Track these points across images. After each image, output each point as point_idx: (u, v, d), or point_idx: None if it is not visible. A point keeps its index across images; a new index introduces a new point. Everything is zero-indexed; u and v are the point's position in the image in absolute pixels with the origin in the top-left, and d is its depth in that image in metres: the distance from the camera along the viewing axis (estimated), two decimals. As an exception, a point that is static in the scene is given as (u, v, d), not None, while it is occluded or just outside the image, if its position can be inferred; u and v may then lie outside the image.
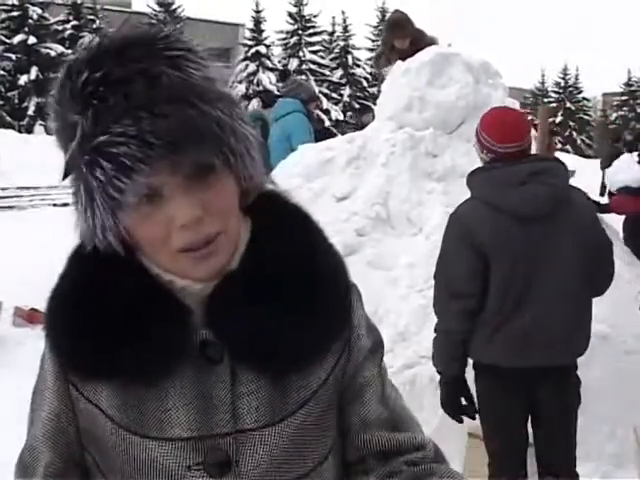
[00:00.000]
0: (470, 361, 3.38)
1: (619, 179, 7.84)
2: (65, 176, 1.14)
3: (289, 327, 1.14)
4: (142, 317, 1.13)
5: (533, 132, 3.56)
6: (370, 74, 42.88)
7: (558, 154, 8.39)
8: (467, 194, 5.07)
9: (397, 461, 1.25)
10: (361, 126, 9.13)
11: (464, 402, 3.39)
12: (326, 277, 1.20)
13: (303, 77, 27.61)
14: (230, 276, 1.15)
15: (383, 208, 5.08)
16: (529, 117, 6.14)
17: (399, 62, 5.90)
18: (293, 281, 1.16)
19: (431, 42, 6.35)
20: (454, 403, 3.40)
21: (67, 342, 1.16)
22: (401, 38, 6.54)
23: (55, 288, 1.22)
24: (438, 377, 3.48)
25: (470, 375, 3.41)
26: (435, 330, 3.39)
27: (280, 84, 8.62)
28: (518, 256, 3.14)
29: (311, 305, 1.16)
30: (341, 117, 41.09)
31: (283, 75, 9.22)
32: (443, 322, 3.34)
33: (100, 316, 1.13)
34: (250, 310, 1.14)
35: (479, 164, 5.19)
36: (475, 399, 3.40)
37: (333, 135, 7.38)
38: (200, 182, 1.08)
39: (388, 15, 8.14)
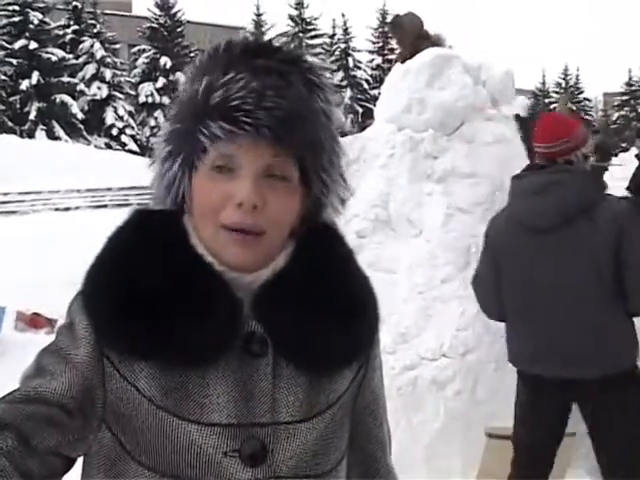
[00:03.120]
0: None
1: None
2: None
3: (327, 333, 1.20)
4: (193, 301, 1.15)
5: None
6: (371, 76, 42.93)
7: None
8: (467, 196, 5.09)
9: None
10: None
11: None
12: (360, 294, 1.28)
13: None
14: (278, 277, 1.21)
15: (383, 210, 5.08)
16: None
17: (398, 64, 5.89)
18: (332, 293, 1.23)
19: (435, 42, 6.29)
20: None
21: (108, 317, 1.15)
22: (394, 38, 6.61)
23: (98, 257, 1.21)
24: (439, 378, 3.51)
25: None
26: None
27: None
28: (526, 266, 3.14)
29: (346, 317, 1.23)
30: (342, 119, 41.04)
31: None
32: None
33: (148, 294, 1.15)
34: (296, 312, 1.19)
35: (480, 165, 5.22)
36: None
37: None
38: (272, 182, 1.16)
39: (388, 17, 8.13)
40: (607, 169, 17.62)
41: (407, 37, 6.45)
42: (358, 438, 1.33)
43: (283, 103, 1.12)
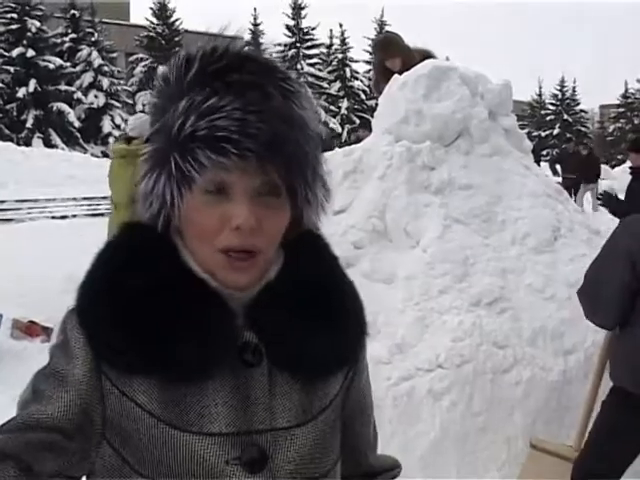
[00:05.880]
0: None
1: None
2: (147, 141, 1.22)
3: (318, 338, 1.23)
4: (188, 315, 1.17)
5: None
6: (368, 87, 42.97)
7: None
8: (464, 207, 5.10)
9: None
10: (356, 141, 9.15)
11: None
12: (347, 299, 1.32)
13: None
14: (269, 287, 1.23)
15: (380, 221, 5.09)
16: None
17: (396, 76, 5.90)
18: (321, 300, 1.26)
19: (427, 56, 6.33)
20: None
21: (106, 335, 1.16)
22: (390, 58, 6.49)
23: (90, 275, 1.22)
24: (435, 389, 3.48)
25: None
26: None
27: None
28: None
29: (335, 322, 1.27)
30: (339, 129, 41.14)
31: None
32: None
33: (144, 310, 1.16)
34: (288, 320, 1.22)
35: (477, 177, 5.23)
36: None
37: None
38: (264, 200, 1.17)
39: (386, 28, 8.16)
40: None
41: (401, 52, 6.48)
42: (349, 437, 1.37)
43: (265, 127, 1.12)
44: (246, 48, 1.24)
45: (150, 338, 1.15)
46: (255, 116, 1.13)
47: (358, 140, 9.92)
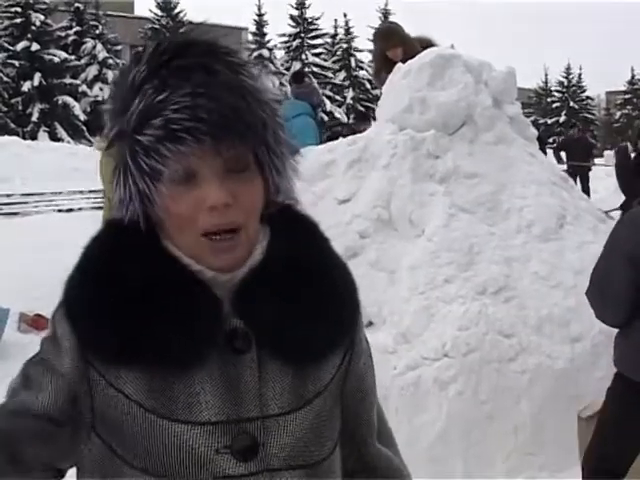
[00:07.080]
0: None
1: None
2: (108, 146, 1.23)
3: (307, 322, 1.22)
4: (173, 303, 1.17)
5: None
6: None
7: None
8: (469, 195, 5.09)
9: None
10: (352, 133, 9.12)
11: None
12: (338, 280, 1.30)
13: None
14: (255, 271, 1.23)
15: (385, 210, 5.08)
16: None
17: (399, 64, 5.88)
18: (309, 281, 1.25)
19: (428, 44, 6.30)
20: None
21: (91, 325, 1.17)
22: (392, 48, 6.47)
23: (77, 268, 1.23)
24: (441, 378, 3.47)
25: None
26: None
27: (294, 85, 8.53)
28: None
29: (325, 304, 1.25)
30: (344, 119, 41.07)
31: (298, 76, 9.10)
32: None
33: (129, 299, 1.17)
34: (276, 304, 1.21)
35: (482, 165, 5.22)
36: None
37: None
38: (233, 176, 1.16)
39: (390, 17, 8.12)
40: (591, 169, 17.55)
41: (402, 42, 6.46)
42: (349, 424, 1.35)
43: (215, 106, 1.13)
44: (189, 35, 1.25)
45: (133, 327, 1.15)
46: (204, 98, 1.13)
47: (353, 133, 9.89)
